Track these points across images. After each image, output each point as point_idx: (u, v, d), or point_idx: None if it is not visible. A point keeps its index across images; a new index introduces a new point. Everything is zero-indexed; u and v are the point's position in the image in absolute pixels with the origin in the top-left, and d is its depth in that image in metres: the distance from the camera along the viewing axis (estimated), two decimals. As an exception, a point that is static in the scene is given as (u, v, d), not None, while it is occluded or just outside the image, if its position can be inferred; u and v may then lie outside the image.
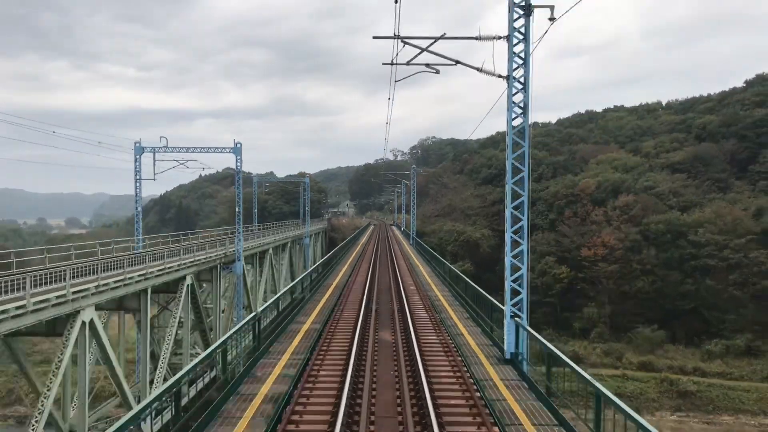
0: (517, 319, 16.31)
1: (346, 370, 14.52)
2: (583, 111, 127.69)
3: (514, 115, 16.03)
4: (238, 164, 42.84)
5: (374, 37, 18.11)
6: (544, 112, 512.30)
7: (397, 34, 16.95)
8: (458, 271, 32.26)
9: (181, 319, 31.96)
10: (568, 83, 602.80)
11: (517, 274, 16.46)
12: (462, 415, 12.11)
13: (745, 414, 49.84)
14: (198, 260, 33.76)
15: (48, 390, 19.75)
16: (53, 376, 19.87)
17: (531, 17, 15.56)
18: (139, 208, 43.23)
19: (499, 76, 16.00)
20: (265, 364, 16.07)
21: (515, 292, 16.43)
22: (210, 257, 36.32)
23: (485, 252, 78.47)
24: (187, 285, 31.55)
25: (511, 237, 16.28)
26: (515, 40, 15.74)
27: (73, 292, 20.42)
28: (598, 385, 10.46)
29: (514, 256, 16.33)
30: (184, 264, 31.41)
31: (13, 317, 17.63)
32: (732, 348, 59.85)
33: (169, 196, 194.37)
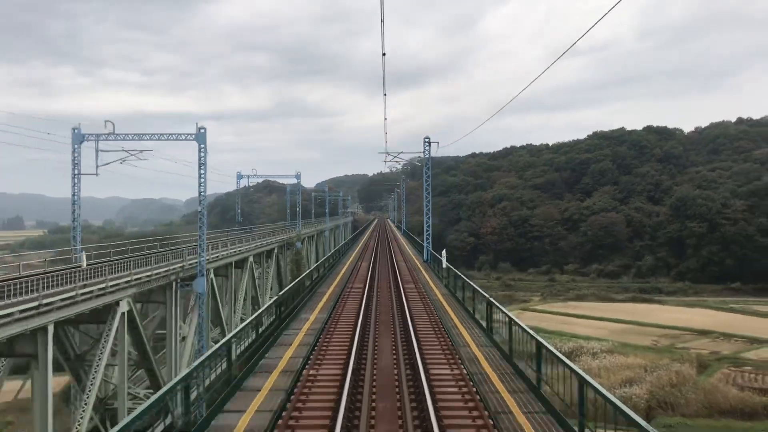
0: (431, 251, 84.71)
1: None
2: (508, 146, 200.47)
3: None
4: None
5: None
6: (540, 112, 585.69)
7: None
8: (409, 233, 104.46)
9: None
10: (567, 83, 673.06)
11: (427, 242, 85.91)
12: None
13: (531, 293, 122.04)
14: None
15: None
16: None
17: (430, 146, 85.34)
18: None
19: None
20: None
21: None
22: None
23: (434, 232, 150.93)
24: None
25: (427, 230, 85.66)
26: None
27: None
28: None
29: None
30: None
31: None
32: (540, 271, 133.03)
33: (226, 200, 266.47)
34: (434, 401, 11.56)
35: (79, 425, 21.24)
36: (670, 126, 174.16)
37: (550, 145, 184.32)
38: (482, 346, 17.75)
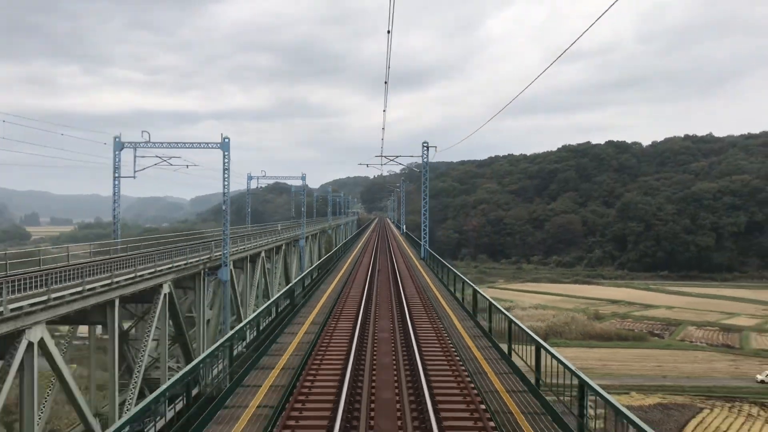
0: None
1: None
2: (493, 155, 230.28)
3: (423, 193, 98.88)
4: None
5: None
6: (541, 114, 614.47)
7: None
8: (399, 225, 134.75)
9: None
10: (568, 86, 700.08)
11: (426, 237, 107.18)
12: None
13: (500, 277, 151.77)
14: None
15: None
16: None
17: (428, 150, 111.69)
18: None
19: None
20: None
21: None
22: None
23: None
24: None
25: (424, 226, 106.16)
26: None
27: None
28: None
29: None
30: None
31: None
32: (510, 261, 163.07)
33: (239, 199, 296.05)
34: (395, 253, 42.25)
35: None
36: (632, 139, 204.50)
37: (528, 155, 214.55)
38: (411, 249, 48.09)
